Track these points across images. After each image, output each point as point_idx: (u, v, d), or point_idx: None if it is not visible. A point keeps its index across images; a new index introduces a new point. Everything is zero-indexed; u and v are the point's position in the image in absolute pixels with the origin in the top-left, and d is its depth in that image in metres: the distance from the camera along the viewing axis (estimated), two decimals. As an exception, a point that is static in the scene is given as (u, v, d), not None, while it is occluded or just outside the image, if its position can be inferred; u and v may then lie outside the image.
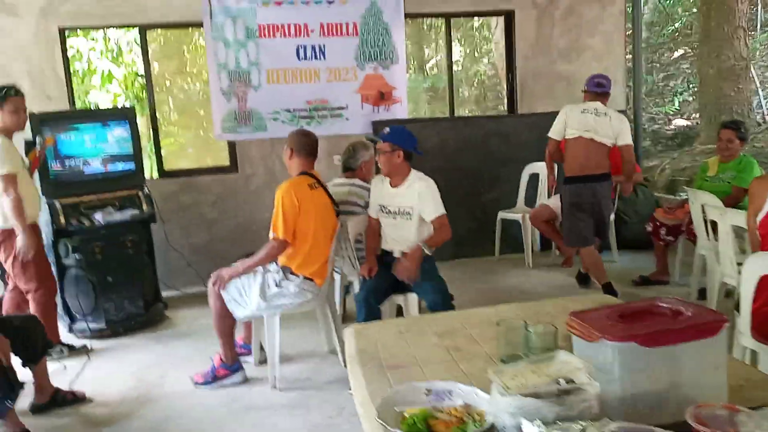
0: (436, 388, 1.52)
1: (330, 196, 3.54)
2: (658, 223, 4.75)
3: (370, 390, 1.61)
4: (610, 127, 4.29)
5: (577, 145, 4.36)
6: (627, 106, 6.34)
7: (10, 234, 3.67)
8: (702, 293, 4.17)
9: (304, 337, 4.08)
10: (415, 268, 3.27)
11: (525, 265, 5.46)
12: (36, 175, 4.18)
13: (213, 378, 3.45)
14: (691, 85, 9.56)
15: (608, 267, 5.24)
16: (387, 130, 3.46)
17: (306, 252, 3.38)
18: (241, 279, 3.34)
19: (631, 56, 6.48)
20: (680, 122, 9.41)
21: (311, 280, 3.41)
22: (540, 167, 5.29)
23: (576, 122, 4.37)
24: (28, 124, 4.21)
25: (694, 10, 9.56)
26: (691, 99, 9.46)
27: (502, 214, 5.52)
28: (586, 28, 5.98)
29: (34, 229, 3.77)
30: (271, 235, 3.34)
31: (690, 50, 9.88)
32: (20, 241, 3.62)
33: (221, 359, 3.47)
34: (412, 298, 3.44)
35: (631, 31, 6.49)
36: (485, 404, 1.41)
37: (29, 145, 3.93)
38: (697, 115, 8.84)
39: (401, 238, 3.44)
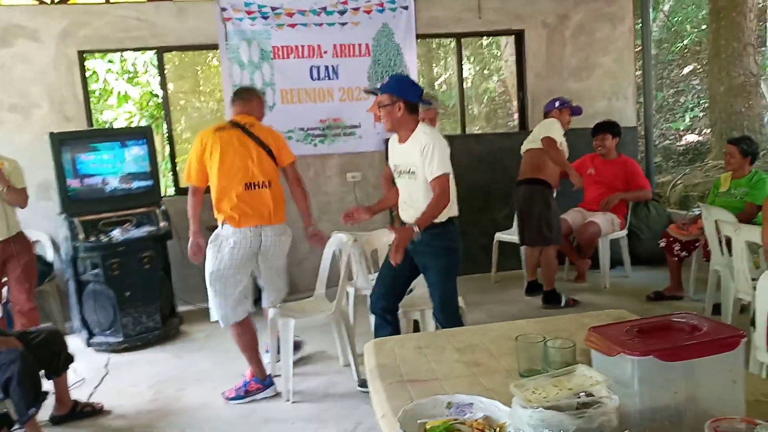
0: (458, 401, 1.55)
1: (254, 137, 3.45)
2: (671, 239, 4.76)
3: (391, 403, 1.64)
4: (535, 133, 4.82)
5: (523, 159, 4.94)
6: (638, 122, 6.38)
7: None
8: (716, 309, 4.17)
9: (320, 351, 4.12)
10: (397, 250, 2.98)
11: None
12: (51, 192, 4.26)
13: (245, 392, 3.47)
14: (701, 101, 9.58)
15: (621, 282, 5.30)
16: (386, 79, 3.13)
17: (218, 197, 3.44)
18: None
19: (641, 73, 6.53)
20: (691, 138, 9.43)
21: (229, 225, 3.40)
22: None
23: (523, 145, 4.98)
24: (48, 144, 4.35)
25: (704, 26, 9.62)
26: (701, 115, 9.48)
27: (499, 236, 5.50)
28: (597, 46, 6.05)
29: None
30: None
31: (699, 66, 9.92)
32: None
33: (252, 374, 3.50)
34: (429, 314, 3.47)
35: (640, 48, 6.55)
36: (506, 417, 1.44)
37: None
38: (709, 131, 8.86)
39: (410, 200, 3.17)
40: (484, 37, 10.27)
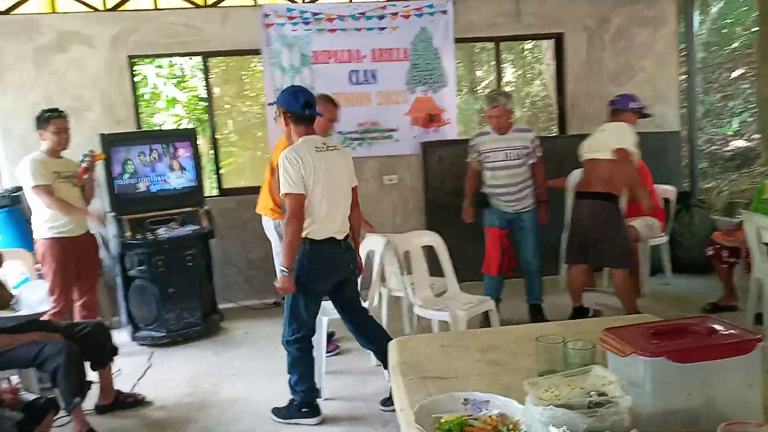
0: (474, 398, 1.59)
1: None
2: (718, 246, 4.62)
3: (410, 398, 1.69)
4: (603, 139, 4.21)
5: (584, 166, 4.40)
6: (682, 127, 6.25)
7: (47, 245, 3.90)
8: (759, 318, 4.05)
9: (350, 351, 4.19)
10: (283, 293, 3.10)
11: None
12: (100, 191, 4.48)
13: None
14: (750, 106, 9.28)
15: (662, 290, 5.18)
16: None
17: None
18: None
19: (685, 77, 6.39)
20: (739, 143, 9.15)
21: None
22: None
23: (583, 147, 4.40)
24: (98, 143, 4.56)
25: (754, 29, 9.32)
26: (750, 119, 9.19)
27: None
28: (638, 50, 5.96)
29: (61, 244, 3.90)
30: None
31: (750, 70, 9.61)
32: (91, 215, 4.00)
33: None
34: (460, 315, 3.50)
35: (685, 51, 6.42)
36: (519, 414, 1.47)
37: (83, 159, 4.09)
38: (758, 136, 8.58)
39: None
40: (527, 41, 10.21)
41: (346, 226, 3.21)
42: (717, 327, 1.44)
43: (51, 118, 3.91)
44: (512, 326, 2.30)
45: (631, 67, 5.97)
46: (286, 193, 2.96)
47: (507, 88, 9.05)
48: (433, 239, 4.00)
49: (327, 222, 3.06)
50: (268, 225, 4.14)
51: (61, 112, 3.98)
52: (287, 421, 3.23)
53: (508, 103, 4.28)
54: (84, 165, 4.01)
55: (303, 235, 3.03)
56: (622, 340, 1.41)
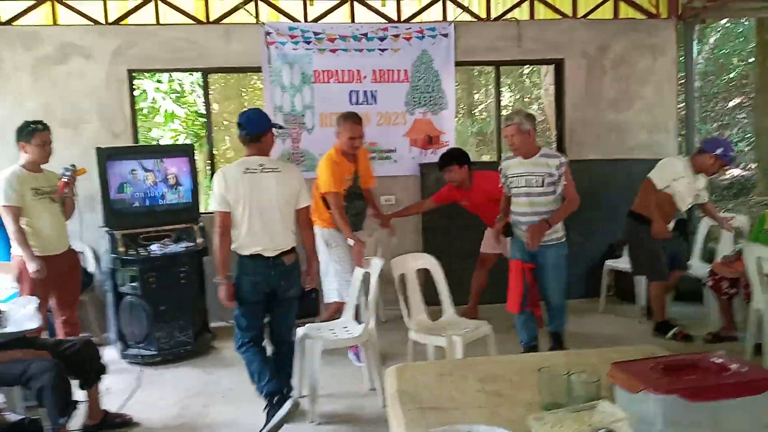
0: (476, 431, 1.54)
1: None
2: (718, 277, 4.58)
3: (409, 430, 1.63)
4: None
5: None
6: (680, 156, 6.25)
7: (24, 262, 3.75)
8: (758, 349, 4.01)
9: (345, 374, 4.12)
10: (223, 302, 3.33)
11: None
12: (93, 204, 4.45)
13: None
14: (747, 135, 9.35)
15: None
16: None
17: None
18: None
19: (683, 105, 6.42)
20: (735, 172, 9.20)
21: None
22: None
23: None
24: (94, 156, 4.51)
25: (751, 59, 9.43)
26: (747, 149, 9.24)
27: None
28: (637, 77, 5.98)
29: (43, 262, 3.74)
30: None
31: (747, 100, 9.70)
32: (30, 267, 3.71)
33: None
34: (456, 340, 3.44)
35: (683, 80, 6.46)
36: (524, 450, 1.42)
37: (63, 174, 3.94)
38: (754, 166, 8.62)
39: None
40: (526, 66, 10.29)
41: (281, 244, 3.34)
42: (728, 363, 1.40)
43: (36, 131, 3.77)
44: (514, 356, 2.25)
45: (631, 94, 6.00)
46: (215, 211, 3.27)
47: (504, 112, 9.09)
48: (429, 262, 3.95)
49: (253, 238, 3.26)
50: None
51: (46, 124, 3.86)
52: (274, 426, 3.15)
53: (525, 124, 3.86)
54: (64, 179, 3.88)
55: (234, 247, 3.30)
56: (632, 375, 1.37)
